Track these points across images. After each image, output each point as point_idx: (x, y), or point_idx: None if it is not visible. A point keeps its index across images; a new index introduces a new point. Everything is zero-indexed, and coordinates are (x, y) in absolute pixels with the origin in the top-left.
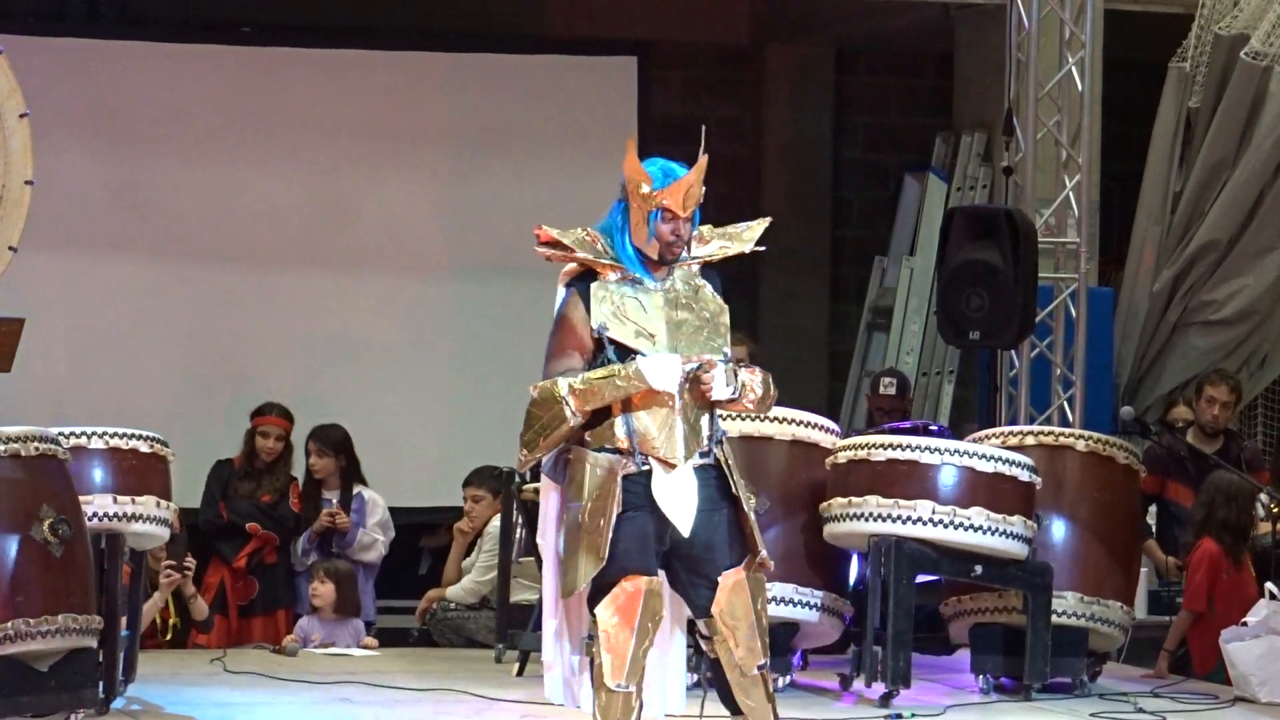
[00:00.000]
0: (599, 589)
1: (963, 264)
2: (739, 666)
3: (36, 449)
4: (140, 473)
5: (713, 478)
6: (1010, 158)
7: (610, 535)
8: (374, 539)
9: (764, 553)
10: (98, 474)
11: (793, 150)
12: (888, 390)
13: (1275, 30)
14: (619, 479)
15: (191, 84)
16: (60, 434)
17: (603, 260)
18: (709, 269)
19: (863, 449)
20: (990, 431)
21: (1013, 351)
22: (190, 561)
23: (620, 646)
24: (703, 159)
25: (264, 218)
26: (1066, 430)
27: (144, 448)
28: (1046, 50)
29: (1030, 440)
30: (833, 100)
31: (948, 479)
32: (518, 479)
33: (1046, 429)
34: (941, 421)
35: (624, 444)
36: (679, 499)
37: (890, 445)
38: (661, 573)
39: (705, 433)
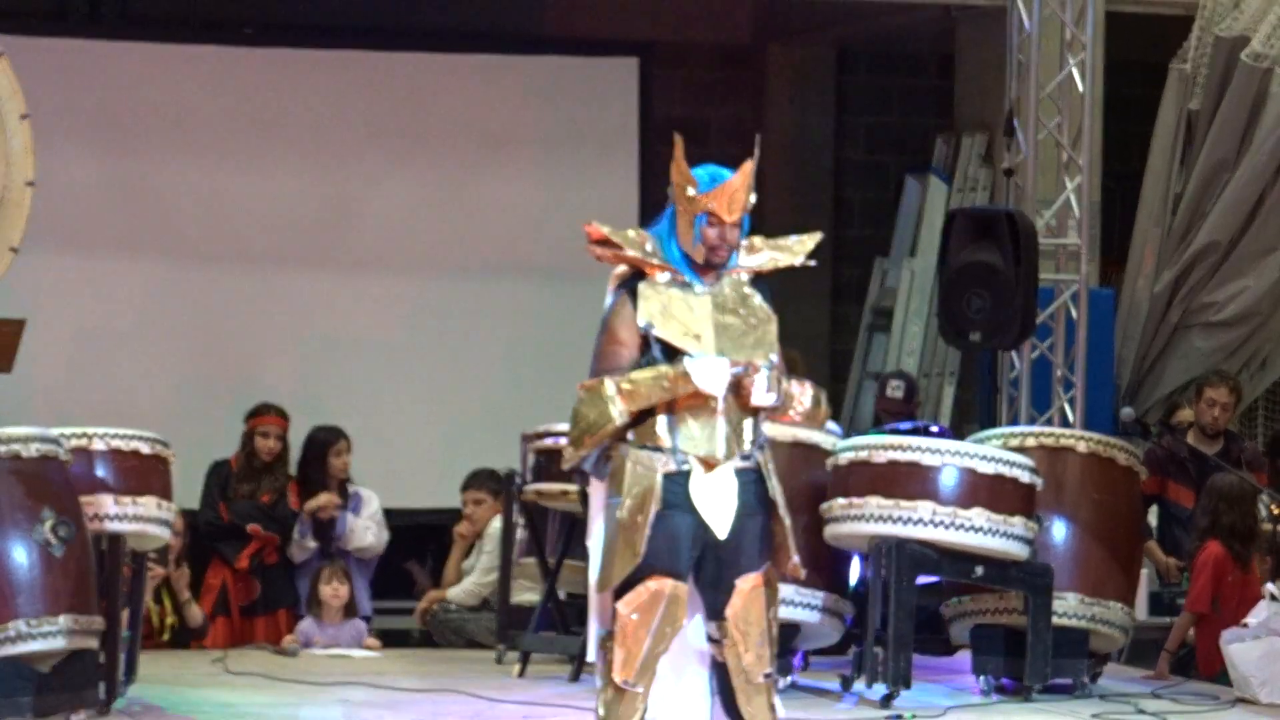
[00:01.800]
0: (625, 584)
1: (964, 265)
2: (745, 672)
3: (37, 450)
4: (141, 473)
5: (751, 482)
6: (1011, 159)
7: (647, 532)
8: (367, 525)
9: (796, 559)
10: (99, 475)
11: (793, 150)
12: (895, 394)
13: (1276, 32)
14: (659, 476)
15: (191, 84)
16: (61, 435)
17: (652, 260)
18: (759, 279)
19: (863, 450)
20: (991, 432)
21: (1013, 353)
22: (172, 552)
23: (635, 644)
24: (748, 164)
25: (264, 218)
26: (1067, 431)
27: (145, 448)
28: (1047, 51)
29: (1031, 441)
30: (833, 100)
31: (949, 480)
32: (518, 480)
33: (1047, 430)
34: (942, 422)
35: (665, 442)
36: (717, 500)
37: (891, 446)
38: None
39: (748, 436)
